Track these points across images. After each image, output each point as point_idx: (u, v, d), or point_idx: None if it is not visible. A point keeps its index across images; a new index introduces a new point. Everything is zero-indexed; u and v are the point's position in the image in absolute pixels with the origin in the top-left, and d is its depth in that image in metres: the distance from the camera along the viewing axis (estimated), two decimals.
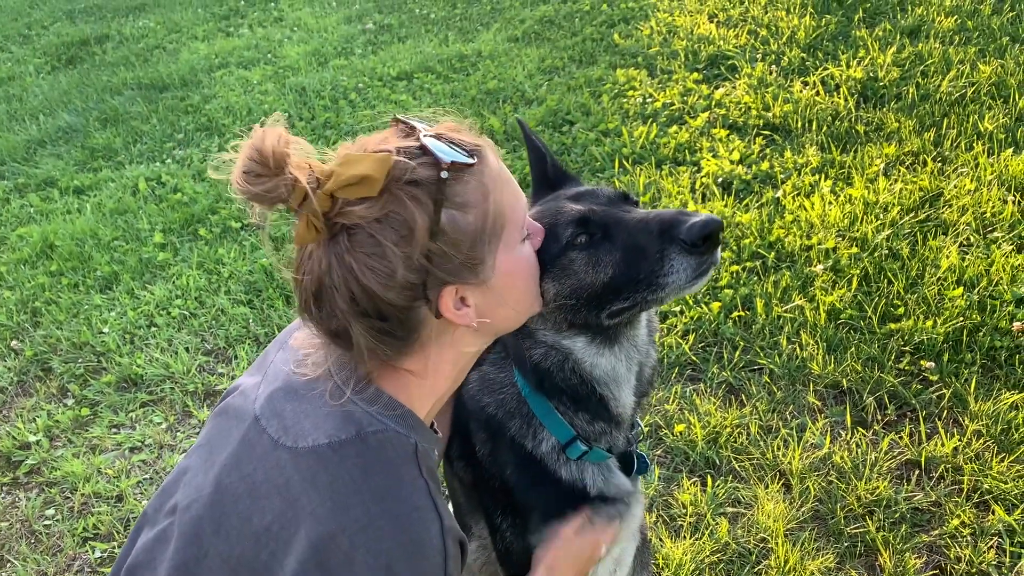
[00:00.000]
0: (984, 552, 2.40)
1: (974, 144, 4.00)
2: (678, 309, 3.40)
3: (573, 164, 4.56)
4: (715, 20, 5.86)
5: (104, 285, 4.28)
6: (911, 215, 3.63)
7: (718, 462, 2.81)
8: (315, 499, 1.14)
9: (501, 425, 1.59)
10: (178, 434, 3.30)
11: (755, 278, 3.48)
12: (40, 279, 4.35)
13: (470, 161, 1.17)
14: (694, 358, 3.20)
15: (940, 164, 3.96)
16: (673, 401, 3.02)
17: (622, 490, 1.63)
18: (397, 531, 1.13)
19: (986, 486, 2.57)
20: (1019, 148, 3.93)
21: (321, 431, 1.19)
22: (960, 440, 2.72)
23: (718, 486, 2.71)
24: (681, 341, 3.26)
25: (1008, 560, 2.39)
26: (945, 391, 2.88)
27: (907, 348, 3.06)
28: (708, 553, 2.52)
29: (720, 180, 4.13)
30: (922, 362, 3.01)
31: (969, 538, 2.46)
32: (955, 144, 4.05)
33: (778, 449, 2.79)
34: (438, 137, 1.19)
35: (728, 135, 4.49)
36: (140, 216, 4.80)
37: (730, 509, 2.66)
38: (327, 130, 5.50)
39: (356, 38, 7.20)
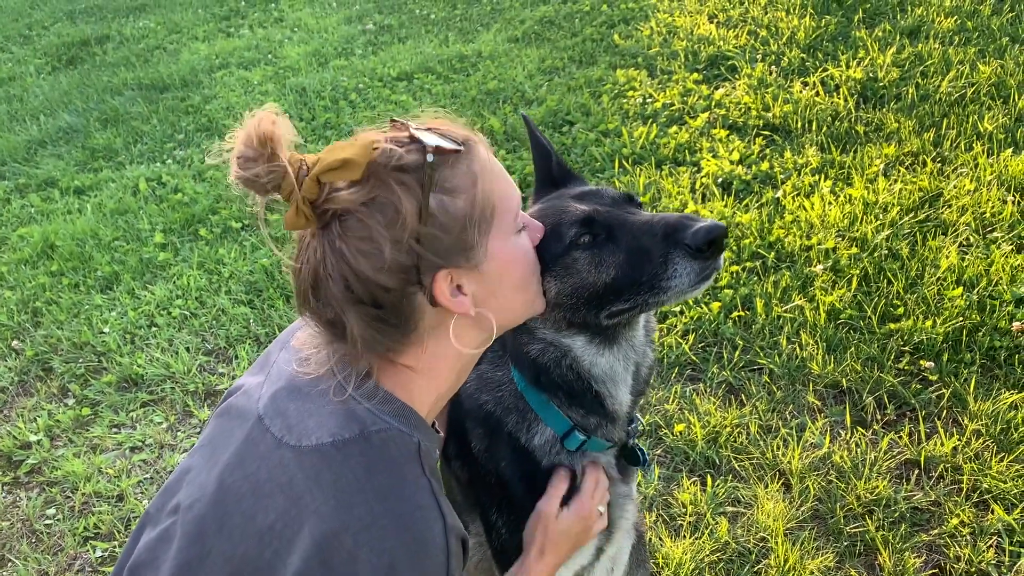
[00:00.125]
0: (983, 551, 2.40)
1: (974, 144, 4.01)
2: (678, 309, 3.40)
3: (573, 164, 4.57)
4: (715, 21, 5.86)
5: (105, 285, 4.29)
6: (911, 215, 3.63)
7: (718, 461, 2.81)
8: (319, 497, 1.15)
9: (499, 421, 1.60)
10: (179, 434, 3.30)
11: (755, 278, 3.49)
12: (41, 279, 4.35)
13: (455, 147, 1.20)
14: (694, 358, 3.20)
15: (940, 164, 3.96)
16: (673, 401, 3.03)
17: (618, 495, 1.63)
18: (400, 530, 1.14)
19: (985, 485, 2.58)
20: (1019, 148, 3.94)
21: (325, 429, 1.20)
22: (959, 440, 2.72)
23: (718, 485, 2.72)
24: (681, 341, 3.26)
25: (1007, 559, 2.39)
26: (944, 391, 2.88)
27: (907, 348, 3.07)
28: (708, 552, 2.52)
29: (720, 180, 4.13)
30: (922, 362, 3.01)
31: (968, 537, 2.46)
32: (955, 144, 4.06)
33: (778, 449, 2.79)
34: (428, 130, 1.22)
35: (728, 135, 4.50)
36: (141, 216, 4.81)
37: (730, 508, 2.66)
38: (327, 130, 5.50)
39: (356, 39, 7.20)
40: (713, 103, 4.84)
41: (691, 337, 3.28)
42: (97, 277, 4.32)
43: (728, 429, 2.88)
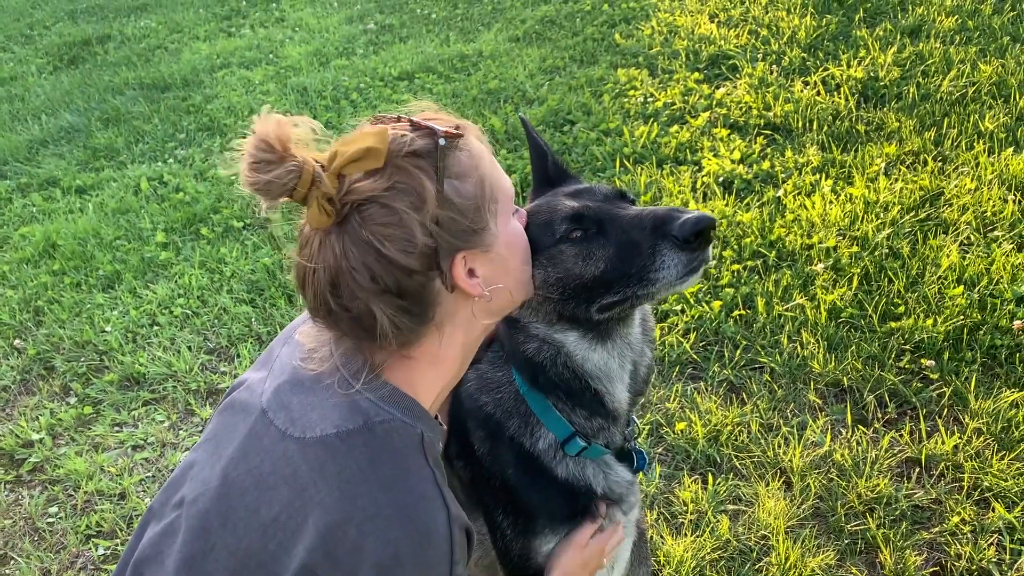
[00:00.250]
0: (984, 549, 2.41)
1: (975, 143, 4.01)
2: (679, 308, 3.41)
3: (574, 164, 4.57)
4: (716, 20, 5.86)
5: (106, 284, 4.29)
6: (912, 214, 3.64)
7: (719, 460, 2.82)
8: (323, 489, 1.15)
9: (500, 424, 1.60)
10: (180, 432, 3.31)
11: (756, 277, 3.49)
12: (43, 278, 4.36)
13: (458, 132, 1.23)
14: (695, 356, 3.20)
15: (941, 163, 3.96)
16: (674, 399, 3.03)
17: (624, 481, 1.64)
18: (404, 520, 1.14)
19: (986, 483, 2.58)
20: (1019, 147, 3.94)
21: (328, 421, 1.20)
22: (960, 438, 2.72)
23: (719, 484, 2.72)
24: (682, 340, 3.27)
25: (1008, 557, 2.40)
26: (945, 389, 2.89)
27: (907, 346, 3.07)
28: (709, 550, 2.52)
29: (721, 179, 4.14)
30: (922, 360, 3.01)
31: (969, 535, 2.47)
32: (956, 143, 4.06)
33: (779, 447, 2.80)
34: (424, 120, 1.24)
35: (729, 135, 4.50)
36: (142, 215, 4.81)
37: (731, 506, 2.67)
38: (329, 130, 5.45)
39: (357, 38, 7.21)
40: (714, 102, 4.84)
41: (692, 336, 3.28)
42: (99, 276, 4.33)
43: (729, 427, 2.89)
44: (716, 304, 3.35)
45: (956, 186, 3.74)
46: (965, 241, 3.48)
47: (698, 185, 4.13)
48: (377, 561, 1.12)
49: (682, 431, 2.91)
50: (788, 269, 3.48)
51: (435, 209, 1.18)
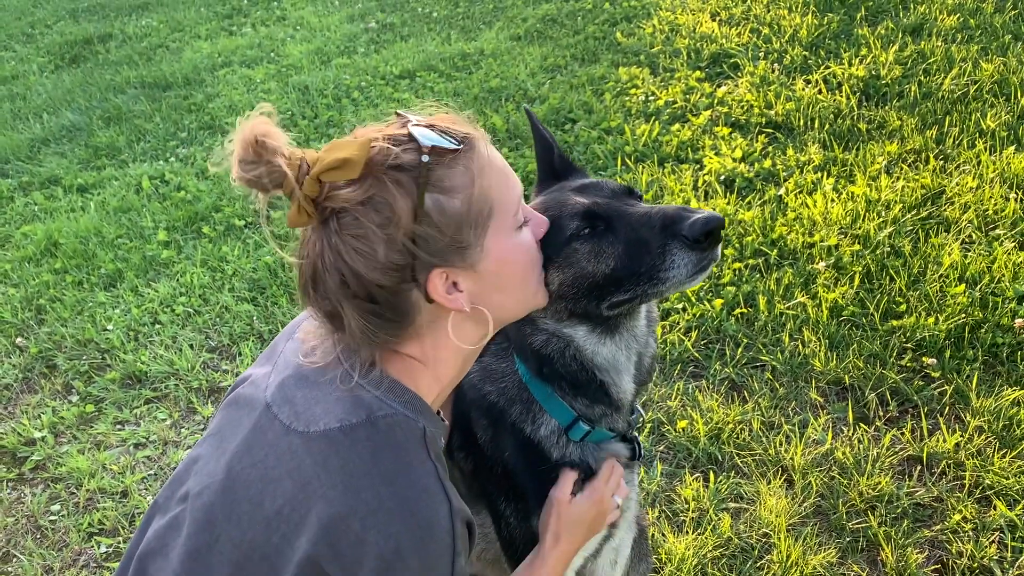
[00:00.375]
0: (986, 547, 2.41)
1: (976, 142, 4.01)
2: (680, 306, 3.41)
3: (576, 162, 4.56)
4: (717, 18, 5.86)
5: (108, 283, 4.30)
6: (913, 212, 3.64)
7: (720, 458, 2.82)
8: (326, 482, 1.16)
9: (502, 412, 1.61)
10: (182, 430, 3.31)
11: (757, 275, 3.49)
12: (44, 277, 4.36)
13: (452, 146, 1.20)
14: (697, 355, 3.21)
15: (942, 162, 3.96)
16: (676, 397, 3.03)
17: (620, 454, 1.64)
18: (407, 514, 1.15)
19: (988, 482, 2.58)
20: (1021, 146, 3.94)
21: (332, 416, 1.21)
22: (962, 436, 2.72)
23: (720, 482, 2.72)
24: (684, 338, 3.27)
25: (1010, 555, 2.40)
26: (947, 387, 2.89)
27: (909, 345, 3.07)
28: (710, 548, 2.53)
29: (723, 178, 4.14)
30: (924, 359, 3.01)
31: (971, 533, 2.47)
32: (957, 142, 4.06)
33: (780, 445, 2.80)
34: (430, 127, 1.22)
35: (730, 133, 4.50)
36: (144, 214, 4.82)
37: (732, 504, 2.67)
38: (330, 129, 5.51)
39: (359, 37, 7.21)
40: (715, 101, 4.84)
41: (694, 334, 3.28)
42: (101, 275, 4.33)
43: (731, 425, 2.89)
44: (718, 302, 3.35)
45: (958, 184, 3.74)
46: (967, 239, 3.48)
47: (699, 183, 4.13)
48: (380, 554, 1.13)
49: (684, 429, 2.91)
50: (790, 267, 3.48)
51: (410, 225, 1.17)
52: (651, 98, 5.02)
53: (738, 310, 3.34)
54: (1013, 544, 2.42)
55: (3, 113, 6.80)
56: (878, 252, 3.45)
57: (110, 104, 6.56)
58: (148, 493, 3.04)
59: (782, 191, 3.95)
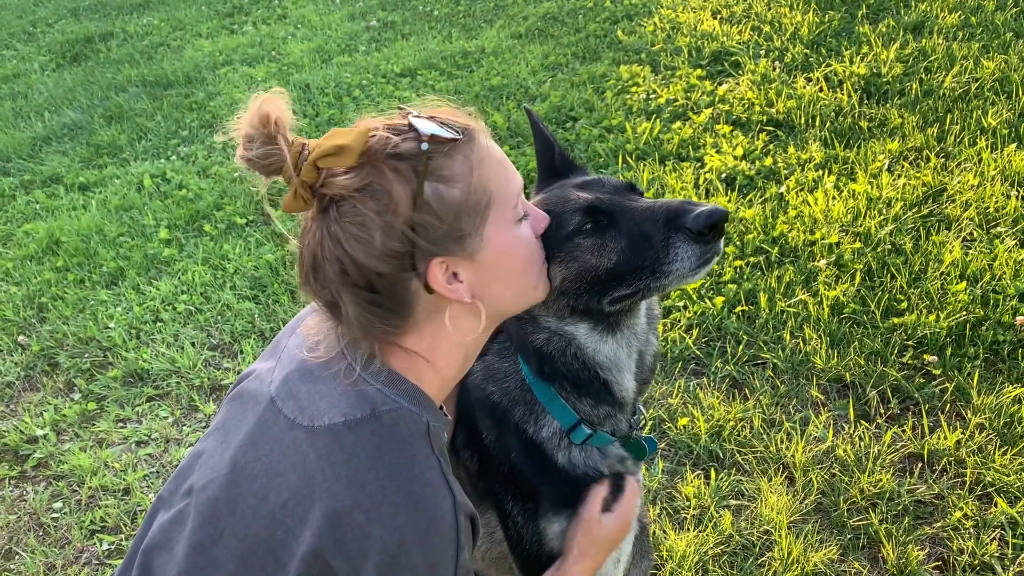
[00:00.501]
0: (987, 544, 2.41)
1: (977, 139, 4.01)
2: (681, 304, 3.41)
3: (577, 160, 4.56)
4: (718, 16, 5.86)
5: (110, 281, 4.30)
6: (914, 210, 3.64)
7: (722, 455, 2.82)
8: (331, 476, 1.17)
9: (505, 412, 1.61)
10: (184, 428, 3.32)
11: (759, 273, 3.50)
12: (46, 275, 4.37)
13: (451, 136, 1.20)
14: (698, 352, 3.21)
15: (943, 159, 3.96)
16: (677, 395, 3.03)
17: (623, 458, 1.64)
18: (411, 508, 1.15)
19: (989, 479, 2.58)
20: (1022, 143, 3.93)
21: (336, 410, 1.21)
22: (963, 433, 2.73)
23: (722, 479, 2.73)
24: (685, 335, 3.27)
25: (1011, 552, 2.40)
26: (948, 385, 2.89)
27: (910, 342, 3.07)
28: (712, 545, 2.53)
29: (724, 176, 4.14)
30: (925, 356, 3.02)
31: (972, 530, 2.47)
32: (958, 140, 4.06)
33: (781, 442, 2.80)
34: (430, 118, 1.23)
35: (732, 131, 4.50)
36: (145, 212, 4.82)
37: (733, 502, 2.67)
38: (331, 127, 5.50)
39: (360, 35, 7.21)
40: (717, 99, 4.84)
41: (695, 332, 3.29)
42: (102, 273, 4.34)
43: (732, 423, 2.89)
44: (719, 300, 3.35)
45: (959, 182, 3.74)
46: (968, 237, 3.48)
47: (701, 181, 4.13)
48: (384, 547, 1.13)
49: (685, 426, 2.92)
50: (791, 265, 3.49)
51: (409, 213, 1.17)
52: (652, 96, 5.02)
53: (739, 308, 3.34)
54: (1014, 541, 2.42)
55: (5, 111, 6.81)
56: (879, 250, 3.45)
57: (111, 102, 6.56)
58: (150, 490, 3.05)
59: (783, 189, 3.95)
